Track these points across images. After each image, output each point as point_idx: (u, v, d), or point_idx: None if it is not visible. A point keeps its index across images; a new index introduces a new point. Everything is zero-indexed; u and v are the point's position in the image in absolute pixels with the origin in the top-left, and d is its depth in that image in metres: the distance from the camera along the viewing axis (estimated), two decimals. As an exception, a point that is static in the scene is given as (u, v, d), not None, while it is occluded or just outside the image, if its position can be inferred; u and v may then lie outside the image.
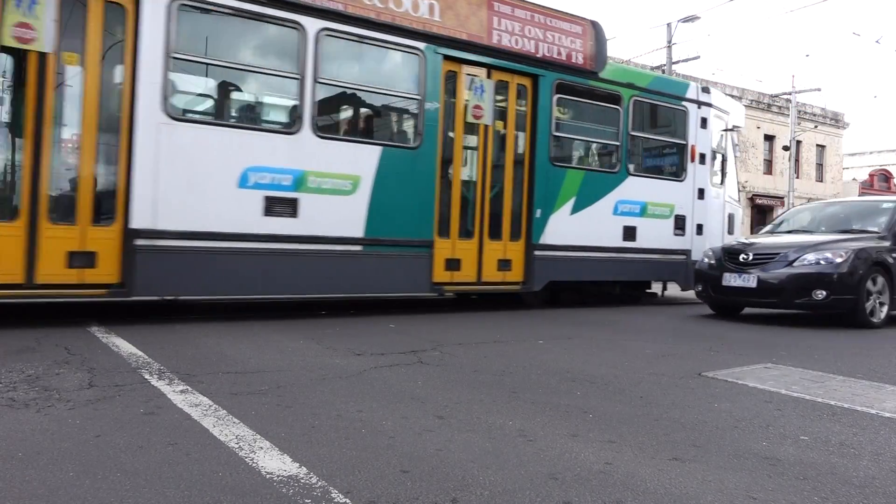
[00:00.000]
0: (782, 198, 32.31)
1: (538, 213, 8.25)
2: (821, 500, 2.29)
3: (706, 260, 8.33)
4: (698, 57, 24.62)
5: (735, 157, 11.12)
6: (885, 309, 7.62)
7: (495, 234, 8.05)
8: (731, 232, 10.76)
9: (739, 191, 12.07)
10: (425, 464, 2.50)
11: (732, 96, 31.93)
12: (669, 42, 24.19)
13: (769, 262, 7.62)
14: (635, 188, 9.19)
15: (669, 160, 10.20)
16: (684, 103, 9.83)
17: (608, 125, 9.21)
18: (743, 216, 16.84)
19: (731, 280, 7.75)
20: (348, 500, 2.14)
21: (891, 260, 7.65)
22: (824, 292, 7.22)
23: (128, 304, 6.92)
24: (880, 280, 7.52)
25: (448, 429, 2.97)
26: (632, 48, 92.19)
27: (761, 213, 33.74)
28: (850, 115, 49.32)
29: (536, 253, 8.22)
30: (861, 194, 37.58)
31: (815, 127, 34.80)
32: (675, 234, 9.69)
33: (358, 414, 3.17)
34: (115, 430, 2.79)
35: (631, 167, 9.24)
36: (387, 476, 2.36)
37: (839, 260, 7.30)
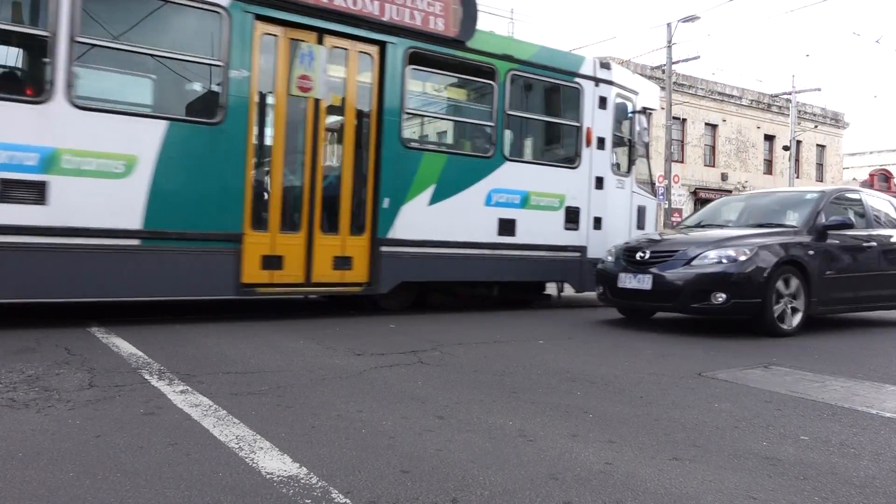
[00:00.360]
0: (782, 198, 32.28)
1: (386, 202, 7.07)
2: (821, 500, 2.29)
3: (608, 258, 7.39)
4: (698, 57, 24.64)
5: (644, 142, 9.86)
6: (799, 315, 6.54)
7: (331, 226, 6.86)
8: (640, 226, 9.56)
9: (652, 183, 10.76)
10: (425, 464, 2.50)
11: (732, 96, 32.04)
12: (669, 42, 24.20)
13: (667, 260, 6.58)
14: (514, 175, 7.98)
15: (559, 145, 9.10)
16: (578, 80, 8.55)
17: (479, 103, 8.13)
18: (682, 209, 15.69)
19: (627, 281, 6.73)
20: (348, 501, 2.14)
21: (807, 258, 6.63)
22: (724, 295, 6.18)
23: (128, 304, 6.92)
24: (794, 281, 6.50)
25: (448, 429, 2.97)
26: (632, 48, 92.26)
27: (761, 213, 33.71)
28: (850, 115, 49.37)
29: (384, 249, 7.05)
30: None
31: (815, 127, 34.82)
32: (567, 229, 8.49)
33: (358, 414, 3.17)
34: (115, 430, 2.79)
35: (509, 151, 8.06)
36: (387, 476, 2.36)
37: (742, 258, 6.27)
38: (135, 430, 2.79)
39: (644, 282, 6.56)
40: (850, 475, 2.55)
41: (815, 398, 3.83)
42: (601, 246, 8.53)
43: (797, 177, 32.89)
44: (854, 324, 8.11)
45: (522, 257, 8.10)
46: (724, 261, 6.28)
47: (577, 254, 8.63)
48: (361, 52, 6.99)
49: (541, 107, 8.92)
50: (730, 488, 2.36)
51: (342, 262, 6.90)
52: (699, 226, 8.00)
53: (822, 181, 36.43)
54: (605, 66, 8.98)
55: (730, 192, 31.82)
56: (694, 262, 6.39)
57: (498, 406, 3.41)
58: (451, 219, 7.53)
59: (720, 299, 6.19)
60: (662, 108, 26.14)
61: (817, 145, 36.22)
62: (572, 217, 8.56)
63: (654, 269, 6.57)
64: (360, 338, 5.52)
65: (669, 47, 24.20)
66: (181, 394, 3.43)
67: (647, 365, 4.72)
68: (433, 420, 3.11)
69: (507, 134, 8.08)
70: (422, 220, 7.34)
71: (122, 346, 4.77)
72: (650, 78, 28.59)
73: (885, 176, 40.70)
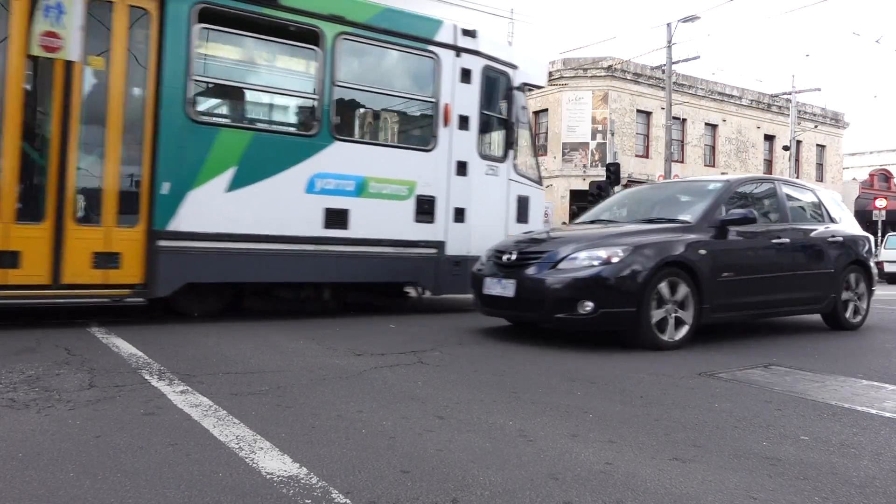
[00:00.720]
0: (782, 198, 32.28)
1: (166, 187, 5.94)
2: (821, 500, 2.29)
3: (483, 259, 6.31)
4: (698, 57, 24.63)
5: (524, 123, 8.63)
6: (685, 328, 5.52)
7: (90, 215, 5.78)
8: (523, 220, 8.32)
9: (540, 168, 9.30)
10: (425, 464, 2.50)
11: (732, 96, 32.03)
12: (669, 42, 24.20)
13: (534, 262, 5.54)
14: (347, 158, 6.85)
15: (410, 123, 7.94)
16: (433, 49, 7.40)
17: (298, 72, 7.04)
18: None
19: (492, 287, 5.75)
20: (348, 501, 2.14)
21: (698, 258, 5.60)
22: (591, 304, 5.17)
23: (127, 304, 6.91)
24: (682, 287, 5.49)
25: (448, 429, 2.98)
26: (632, 48, 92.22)
27: (761, 213, 33.72)
28: (850, 115, 49.35)
29: (163, 243, 5.91)
30: (861, 194, 37.66)
31: (815, 127, 34.81)
32: (419, 221, 7.32)
33: (358, 414, 3.17)
34: (115, 430, 2.79)
35: (339, 130, 6.86)
36: (387, 476, 2.36)
37: (615, 260, 5.26)
38: (135, 431, 2.79)
39: (508, 288, 5.58)
40: (850, 475, 2.55)
41: (815, 398, 3.83)
42: (465, 241, 7.61)
43: (797, 176, 32.88)
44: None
45: (358, 254, 6.91)
46: (595, 263, 5.28)
47: (433, 250, 7.47)
48: (134, 6, 5.87)
49: (385, 79, 7.51)
50: (730, 488, 2.36)
51: (106, 260, 5.75)
52: (595, 221, 6.96)
53: (822, 181, 36.42)
54: (468, 33, 7.74)
55: (730, 192, 31.80)
56: (561, 265, 5.39)
57: (498, 406, 3.41)
58: (258, 208, 6.37)
59: (587, 308, 5.17)
60: (662, 109, 26.17)
61: (817, 145, 36.21)
62: (426, 207, 7.39)
63: (518, 273, 5.57)
64: (360, 338, 5.52)
65: (669, 47, 24.20)
66: (181, 394, 3.43)
67: (647, 365, 4.72)
68: (433, 420, 3.11)
69: (338, 109, 6.87)
70: (217, 209, 6.17)
71: (122, 346, 4.77)
72: (650, 78, 28.71)
73: (886, 176, 40.68)
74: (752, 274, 6.13)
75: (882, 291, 18.92)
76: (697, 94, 30.76)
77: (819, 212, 7.36)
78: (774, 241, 6.37)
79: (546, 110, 29.02)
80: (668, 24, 24.06)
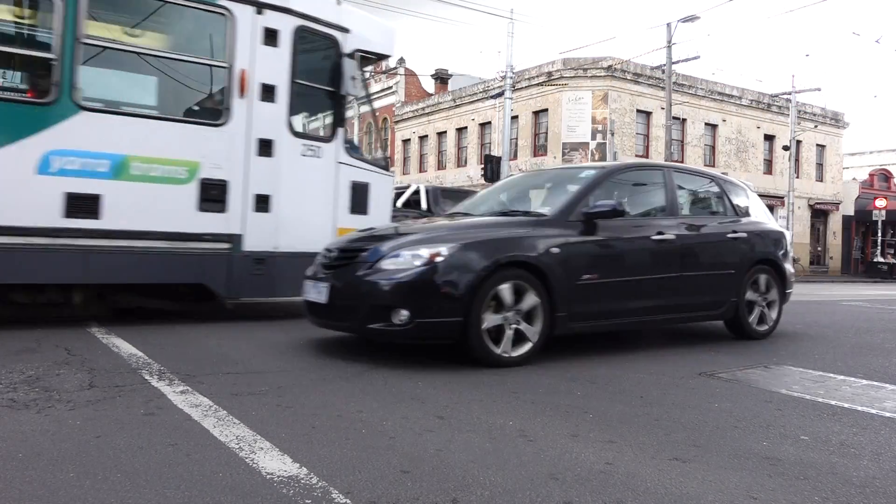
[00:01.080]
0: (782, 198, 32.32)
1: None
2: (821, 499, 2.29)
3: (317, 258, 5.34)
4: (698, 57, 24.64)
5: (363, 98, 7.43)
6: (530, 344, 4.60)
7: None
8: (360, 210, 7.06)
9: (384, 150, 7.70)
10: (426, 464, 2.51)
11: (732, 96, 32.03)
12: (669, 42, 24.21)
13: (352, 262, 4.68)
14: (99, 132, 5.63)
15: (191, 93, 6.60)
16: (224, 3, 6.15)
17: (31, 24, 5.91)
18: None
19: (309, 291, 4.94)
20: (349, 501, 2.14)
21: (549, 258, 4.69)
22: (406, 312, 4.29)
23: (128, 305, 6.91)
24: (529, 293, 4.58)
25: (448, 429, 2.98)
26: (632, 48, 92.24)
27: (761, 213, 33.73)
28: (850, 115, 49.35)
29: None
30: (861, 194, 37.65)
31: (815, 127, 34.81)
32: (204, 210, 6.09)
33: (358, 414, 3.17)
34: (115, 430, 2.79)
35: (87, 96, 5.66)
36: (387, 476, 2.36)
37: (439, 259, 4.35)
38: (135, 431, 2.79)
39: (322, 292, 4.74)
40: (850, 475, 2.55)
41: (815, 398, 3.84)
42: (271, 235, 6.43)
43: (797, 176, 32.90)
44: (856, 323, 8.12)
45: (116, 249, 5.70)
46: (416, 263, 4.38)
47: (225, 245, 6.21)
48: None
49: (157, 38, 6.43)
50: (730, 488, 2.36)
51: None
52: (455, 213, 6.09)
53: (822, 181, 36.46)
54: None
55: (730, 192, 31.82)
56: (379, 266, 4.50)
57: (498, 406, 3.41)
58: None
59: (402, 318, 4.29)
60: (662, 109, 26.18)
61: (817, 145, 36.21)
62: (213, 194, 6.14)
63: (333, 276, 4.76)
64: (359, 338, 5.52)
65: (669, 47, 24.22)
66: (181, 394, 3.43)
67: (647, 365, 4.72)
68: (433, 420, 3.11)
69: (87, 71, 5.66)
70: None
71: (123, 346, 4.77)
72: (650, 78, 28.72)
73: (885, 176, 40.67)
74: (625, 276, 5.24)
75: (882, 291, 18.93)
76: (697, 94, 30.77)
77: (721, 204, 6.41)
78: (657, 237, 5.45)
79: (546, 110, 29.03)
80: (668, 25, 24.09)
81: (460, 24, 52.17)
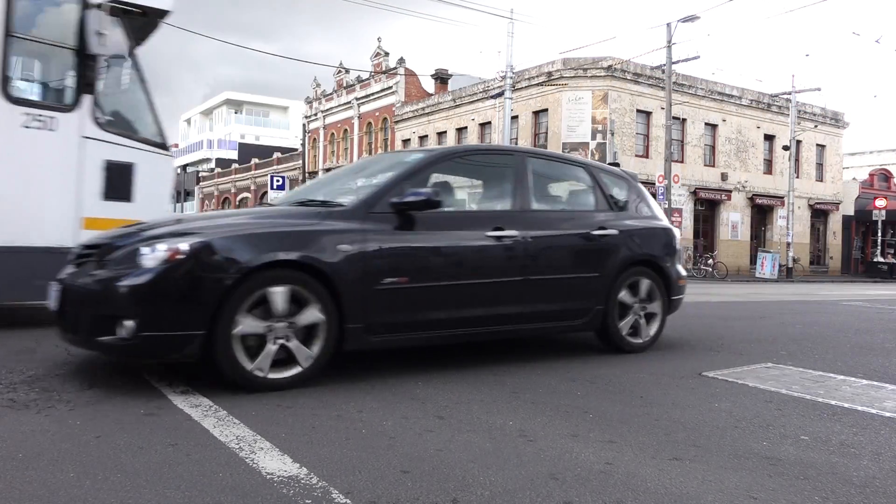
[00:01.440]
0: (782, 197, 32.31)
1: None
2: (821, 499, 2.29)
3: None
4: (698, 57, 24.64)
5: (121, 59, 6.15)
6: (298, 368, 3.70)
7: None
8: (119, 197, 5.83)
9: (159, 125, 6.34)
10: (426, 464, 2.51)
11: (732, 96, 32.02)
12: (669, 42, 24.21)
13: (88, 261, 3.88)
14: None
15: None
16: None
17: None
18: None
19: (49, 295, 4.04)
20: (349, 501, 2.14)
21: (336, 258, 3.82)
22: (132, 323, 3.40)
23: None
24: (311, 304, 3.73)
25: (448, 429, 2.98)
26: (632, 48, 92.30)
27: (761, 213, 33.74)
28: (850, 115, 49.28)
29: None
30: (861, 194, 37.65)
31: (815, 127, 34.81)
32: None
33: (358, 414, 3.17)
34: (115, 430, 2.79)
35: None
36: (387, 476, 2.36)
37: (179, 258, 3.49)
38: (135, 431, 2.79)
39: (53, 297, 3.94)
40: (850, 475, 2.55)
41: (816, 398, 3.84)
42: None
43: (797, 177, 32.88)
44: (856, 323, 8.12)
45: None
46: (150, 263, 3.49)
47: None
48: None
49: None
50: (730, 488, 2.36)
51: None
52: (270, 203, 5.55)
53: (821, 181, 36.45)
54: None
55: (730, 192, 31.86)
56: (111, 264, 3.67)
57: (498, 406, 3.41)
58: None
59: (128, 331, 3.41)
60: (662, 109, 26.18)
61: (817, 145, 36.20)
62: None
63: (70, 277, 3.91)
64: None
65: (669, 47, 24.22)
66: (181, 394, 3.43)
67: (647, 365, 4.72)
68: (433, 420, 3.11)
69: None
70: None
71: (123, 346, 4.76)
72: (650, 78, 28.71)
73: (885, 176, 40.67)
74: (446, 280, 4.32)
75: (882, 291, 18.92)
76: (697, 94, 30.76)
77: (590, 196, 5.43)
78: (494, 233, 4.54)
79: (546, 110, 29.03)
80: (668, 25, 24.10)
81: (460, 24, 52.26)
